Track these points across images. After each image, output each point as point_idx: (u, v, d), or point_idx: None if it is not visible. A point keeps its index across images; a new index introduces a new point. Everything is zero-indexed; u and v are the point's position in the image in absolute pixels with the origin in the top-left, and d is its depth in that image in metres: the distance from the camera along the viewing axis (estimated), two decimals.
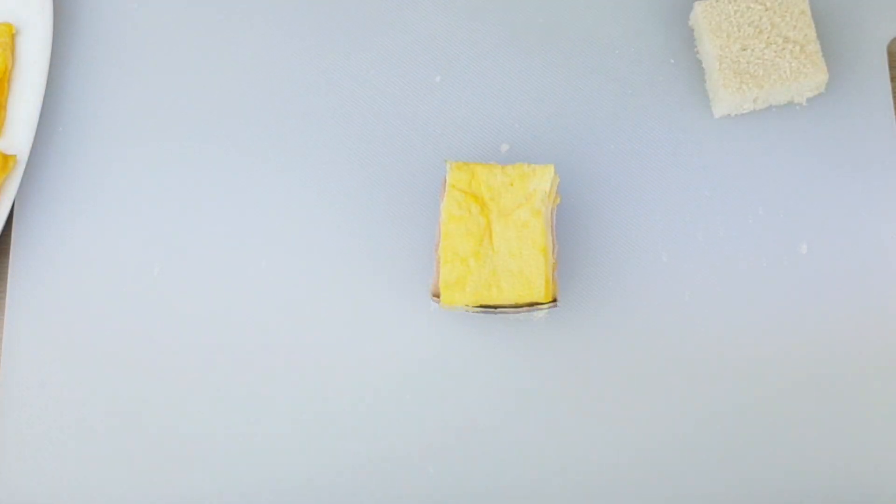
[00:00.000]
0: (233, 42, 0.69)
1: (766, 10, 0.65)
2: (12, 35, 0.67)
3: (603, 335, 0.63)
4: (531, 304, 0.59)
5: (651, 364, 0.63)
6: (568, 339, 0.63)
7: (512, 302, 0.59)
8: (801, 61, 0.64)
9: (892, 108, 0.67)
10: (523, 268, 0.59)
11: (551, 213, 0.60)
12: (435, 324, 0.63)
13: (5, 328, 0.64)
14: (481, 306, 0.59)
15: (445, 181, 0.60)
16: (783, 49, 0.64)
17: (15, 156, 0.65)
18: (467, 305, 0.59)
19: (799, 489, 0.61)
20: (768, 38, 0.65)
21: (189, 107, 0.68)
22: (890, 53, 0.68)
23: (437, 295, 0.60)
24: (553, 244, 0.60)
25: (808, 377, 0.62)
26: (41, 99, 0.66)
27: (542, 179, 0.59)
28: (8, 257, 0.66)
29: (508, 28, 0.69)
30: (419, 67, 0.68)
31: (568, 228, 0.65)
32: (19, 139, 0.65)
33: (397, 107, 0.68)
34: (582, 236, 0.65)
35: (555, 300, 0.59)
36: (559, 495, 0.61)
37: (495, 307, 0.60)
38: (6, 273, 0.65)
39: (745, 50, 0.64)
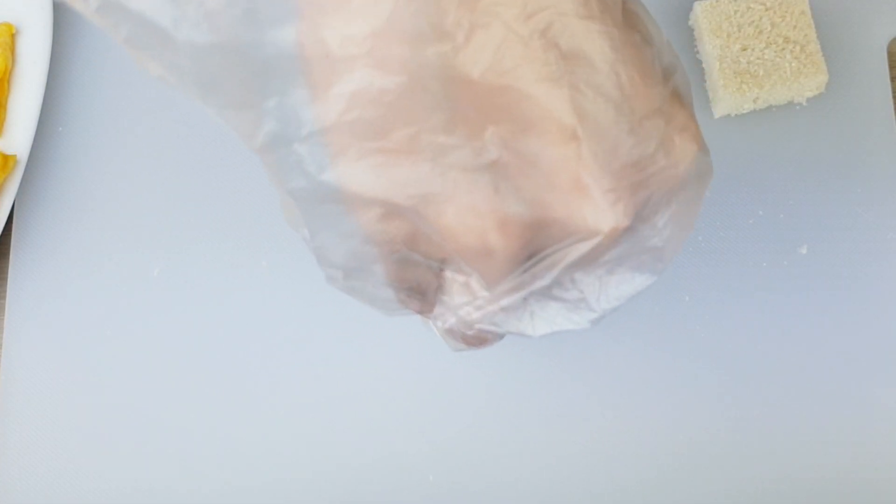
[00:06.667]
0: None
1: (767, 10, 0.65)
2: (12, 35, 0.67)
3: (602, 337, 0.63)
4: None
5: (650, 367, 0.63)
6: (566, 342, 0.63)
7: None
8: (802, 61, 0.64)
9: (892, 108, 0.67)
10: None
11: None
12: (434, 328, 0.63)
13: (5, 328, 0.64)
14: None
15: None
16: (783, 49, 0.64)
17: (15, 156, 0.65)
18: None
19: (799, 491, 0.61)
20: (768, 38, 0.65)
21: (189, 105, 0.68)
22: (890, 53, 0.68)
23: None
24: None
25: (809, 379, 0.62)
26: (41, 99, 0.66)
27: None
28: (8, 257, 0.66)
29: None
30: None
31: None
32: (19, 139, 0.65)
33: None
34: None
35: None
36: (560, 499, 0.61)
37: None
38: (6, 273, 0.66)
39: (745, 50, 0.64)
